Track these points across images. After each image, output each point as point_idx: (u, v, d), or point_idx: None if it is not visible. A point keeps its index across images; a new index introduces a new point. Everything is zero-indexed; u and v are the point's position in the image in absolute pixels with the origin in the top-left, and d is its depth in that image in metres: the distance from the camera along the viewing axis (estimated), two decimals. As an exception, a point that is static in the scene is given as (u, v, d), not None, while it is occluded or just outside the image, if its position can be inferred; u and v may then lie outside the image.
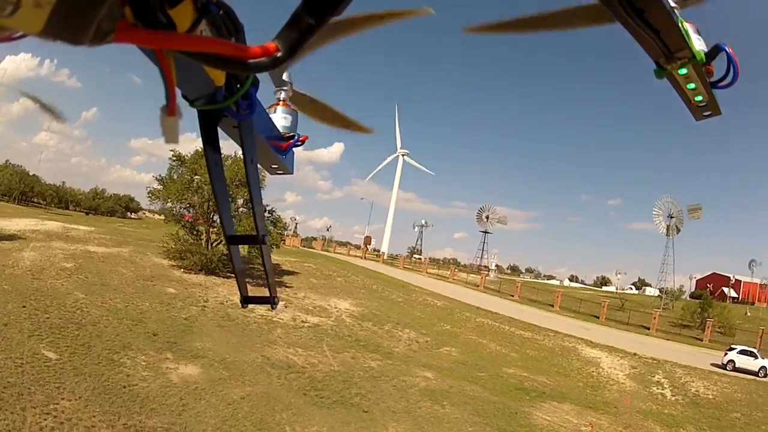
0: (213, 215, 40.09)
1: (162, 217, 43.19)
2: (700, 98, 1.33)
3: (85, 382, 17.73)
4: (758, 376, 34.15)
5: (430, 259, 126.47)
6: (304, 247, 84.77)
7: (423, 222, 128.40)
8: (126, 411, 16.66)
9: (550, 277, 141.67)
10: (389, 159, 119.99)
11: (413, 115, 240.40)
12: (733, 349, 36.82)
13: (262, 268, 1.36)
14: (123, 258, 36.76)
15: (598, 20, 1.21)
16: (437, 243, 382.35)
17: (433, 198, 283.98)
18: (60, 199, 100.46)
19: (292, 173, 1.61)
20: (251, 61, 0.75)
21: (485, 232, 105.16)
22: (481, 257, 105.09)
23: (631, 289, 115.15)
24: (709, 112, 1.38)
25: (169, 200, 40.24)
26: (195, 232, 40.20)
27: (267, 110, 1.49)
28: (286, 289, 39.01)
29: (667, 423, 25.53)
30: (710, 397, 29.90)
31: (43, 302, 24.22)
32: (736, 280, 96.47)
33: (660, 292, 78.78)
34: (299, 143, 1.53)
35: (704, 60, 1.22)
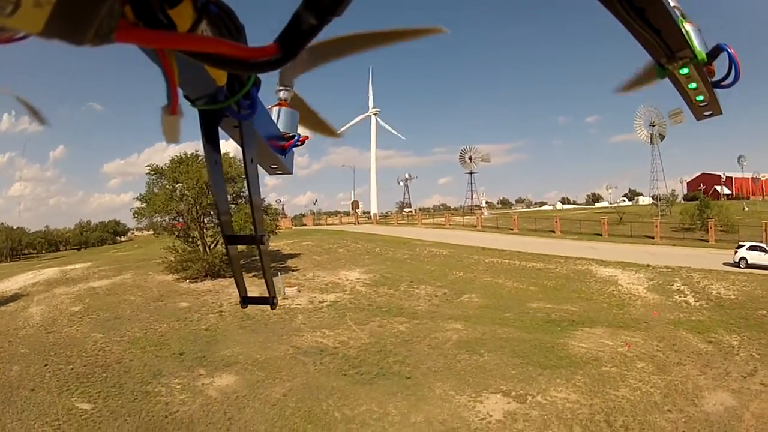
0: (203, 218, 39.24)
1: (151, 232, 42.33)
2: (701, 98, 1.33)
3: (126, 424, 17.44)
4: None
5: (420, 209, 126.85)
6: (296, 225, 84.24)
7: (407, 175, 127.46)
8: (174, 441, 16.38)
9: (542, 204, 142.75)
10: (360, 117, 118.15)
11: (379, 66, 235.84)
12: (743, 246, 36.76)
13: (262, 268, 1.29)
14: (128, 285, 36.40)
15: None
16: (424, 192, 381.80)
17: (413, 149, 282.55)
18: (49, 243, 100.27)
19: (291, 173, 1.57)
20: (253, 61, 0.77)
21: (471, 173, 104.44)
22: (471, 198, 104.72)
23: (624, 201, 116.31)
24: (710, 112, 1.39)
25: (155, 215, 39.38)
26: (190, 240, 39.38)
27: (268, 110, 1.45)
28: (293, 272, 38.62)
29: (698, 329, 25.59)
30: (732, 297, 29.96)
31: (63, 354, 23.92)
32: (727, 177, 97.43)
33: (653, 199, 79.24)
34: (300, 143, 1.51)
35: (705, 60, 1.22)
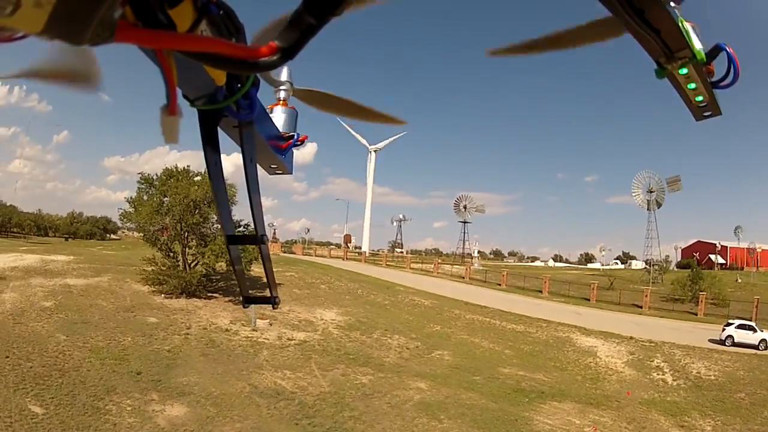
0: (187, 236, 38.63)
1: (141, 234, 41.67)
2: (700, 98, 1.33)
3: None
4: (758, 350, 33.60)
5: (411, 251, 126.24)
6: (284, 251, 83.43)
7: (401, 216, 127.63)
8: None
9: (534, 259, 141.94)
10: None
11: (383, 100, 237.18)
12: (731, 323, 36.14)
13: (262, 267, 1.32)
14: (102, 289, 35.37)
15: (610, 34, 1.22)
16: (417, 234, 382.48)
17: (410, 190, 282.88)
18: (38, 227, 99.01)
19: (291, 173, 1.58)
20: (252, 60, 0.76)
21: (464, 222, 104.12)
22: (463, 247, 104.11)
23: (617, 263, 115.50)
24: (709, 112, 1.39)
25: (140, 224, 38.86)
26: (172, 254, 38.65)
27: (267, 110, 1.46)
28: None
29: (671, 412, 24.80)
30: (712, 377, 29.20)
31: (25, 349, 23.26)
32: (722, 246, 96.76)
33: (647, 264, 78.70)
34: (299, 143, 1.52)
35: (705, 60, 1.22)
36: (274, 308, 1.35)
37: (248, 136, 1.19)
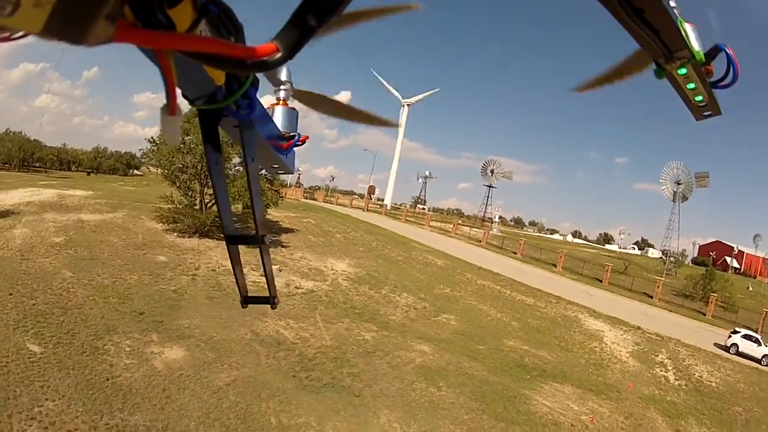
0: (207, 178, 38.30)
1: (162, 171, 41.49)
2: (700, 98, 1.33)
3: (69, 378, 16.82)
4: (761, 364, 33.09)
5: (433, 209, 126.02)
6: (306, 198, 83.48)
7: (427, 173, 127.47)
8: (108, 408, 15.69)
9: (554, 231, 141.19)
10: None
11: (420, 66, 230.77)
12: (737, 332, 35.74)
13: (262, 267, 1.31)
14: (116, 225, 35.41)
15: (645, 65, 1.24)
16: (442, 193, 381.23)
17: (440, 148, 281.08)
18: (61, 162, 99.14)
19: (293, 173, 1.63)
20: (251, 60, 0.76)
21: (489, 186, 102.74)
22: (485, 211, 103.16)
23: (634, 248, 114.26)
24: (709, 112, 1.38)
25: (161, 161, 38.59)
26: (190, 193, 38.51)
27: (267, 110, 1.45)
28: (283, 249, 37.66)
29: (669, 413, 24.51)
30: (713, 385, 28.81)
31: (30, 286, 23.21)
32: (738, 250, 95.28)
33: (663, 254, 77.83)
34: (300, 143, 1.51)
35: (704, 60, 1.21)
36: (272, 308, 1.33)
37: (249, 136, 1.19)
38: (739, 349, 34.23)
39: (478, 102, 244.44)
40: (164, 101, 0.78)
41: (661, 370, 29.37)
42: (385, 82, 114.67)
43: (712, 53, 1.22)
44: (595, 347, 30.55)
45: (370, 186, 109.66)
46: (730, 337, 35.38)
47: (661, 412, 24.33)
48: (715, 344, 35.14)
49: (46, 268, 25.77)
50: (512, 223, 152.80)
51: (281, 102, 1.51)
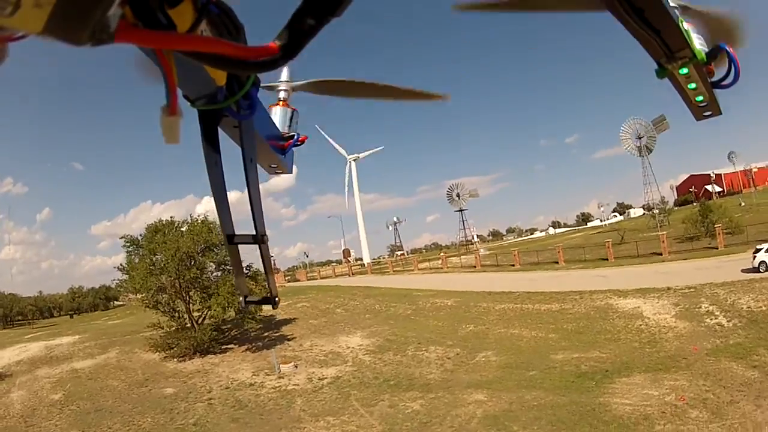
0: (189, 292, 36.34)
1: (140, 298, 39.70)
2: (701, 98, 1.32)
3: None
4: None
5: (411, 250, 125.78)
6: (288, 280, 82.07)
7: (395, 219, 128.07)
8: None
9: (533, 231, 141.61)
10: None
11: (343, 116, 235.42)
12: (761, 249, 34.74)
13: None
14: (111, 366, 33.58)
15: (589, 6, 1.18)
16: (413, 232, 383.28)
17: (397, 190, 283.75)
18: (41, 310, 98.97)
19: (291, 173, 1.57)
20: (252, 61, 0.77)
21: (461, 210, 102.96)
22: (465, 235, 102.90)
23: (615, 216, 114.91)
24: (709, 112, 1.38)
25: (137, 290, 36.69)
26: (176, 314, 36.37)
27: (267, 110, 1.46)
28: (289, 342, 35.74)
29: (739, 354, 23.03)
30: (764, 308, 27.47)
31: None
32: (716, 175, 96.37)
33: (648, 210, 78.09)
34: (299, 143, 1.51)
35: (705, 60, 1.21)
36: (274, 308, 1.31)
37: (248, 136, 1.17)
38: None
39: (416, 131, 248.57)
40: (164, 101, 0.77)
41: (711, 319, 27.87)
42: (329, 139, 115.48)
43: (713, 53, 1.22)
44: (641, 325, 28.88)
45: (345, 249, 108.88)
46: (754, 257, 34.55)
47: (733, 357, 22.82)
48: (743, 270, 34.21)
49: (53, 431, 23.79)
50: (490, 237, 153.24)
51: (281, 102, 1.50)
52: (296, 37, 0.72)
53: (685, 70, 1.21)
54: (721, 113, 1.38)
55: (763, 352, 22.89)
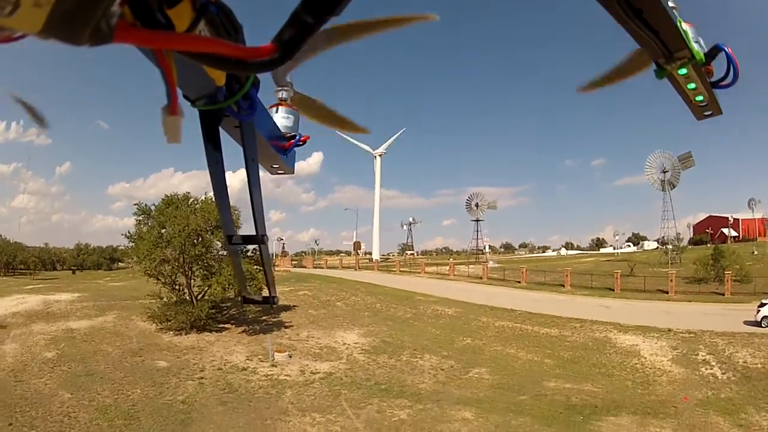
0: (192, 267, 36.78)
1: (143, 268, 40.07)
2: (700, 98, 1.34)
3: None
4: None
5: (421, 251, 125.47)
6: (294, 265, 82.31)
7: (411, 219, 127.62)
8: None
9: (545, 249, 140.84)
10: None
11: (382, 111, 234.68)
12: (765, 304, 34.48)
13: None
14: (107, 331, 33.97)
15: (645, 65, 1.26)
16: (427, 233, 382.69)
17: (418, 190, 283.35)
18: (44, 262, 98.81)
19: (293, 173, 1.59)
20: (250, 61, 0.77)
21: (477, 220, 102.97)
22: (477, 245, 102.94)
23: (629, 246, 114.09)
24: (710, 112, 1.39)
25: (140, 260, 36.96)
26: (177, 287, 36.80)
27: (268, 110, 1.48)
28: (286, 329, 36.08)
29: (728, 410, 23.03)
30: (759, 366, 27.45)
31: (28, 414, 21.35)
32: (734, 219, 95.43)
33: (661, 245, 77.53)
34: (301, 143, 1.52)
35: (704, 60, 1.23)
36: (271, 308, 1.74)
37: (249, 136, 1.18)
38: None
39: (447, 136, 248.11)
40: (165, 101, 0.78)
41: (706, 369, 27.90)
42: (353, 140, 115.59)
43: (712, 53, 1.23)
44: (636, 364, 28.97)
45: (356, 242, 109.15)
46: (758, 311, 34.22)
47: (721, 412, 22.83)
48: (745, 322, 34.10)
49: (42, 390, 24.03)
50: (502, 250, 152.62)
51: (283, 102, 1.49)
52: (295, 37, 0.74)
53: (684, 71, 1.23)
54: (721, 113, 1.39)
55: (752, 411, 22.89)
